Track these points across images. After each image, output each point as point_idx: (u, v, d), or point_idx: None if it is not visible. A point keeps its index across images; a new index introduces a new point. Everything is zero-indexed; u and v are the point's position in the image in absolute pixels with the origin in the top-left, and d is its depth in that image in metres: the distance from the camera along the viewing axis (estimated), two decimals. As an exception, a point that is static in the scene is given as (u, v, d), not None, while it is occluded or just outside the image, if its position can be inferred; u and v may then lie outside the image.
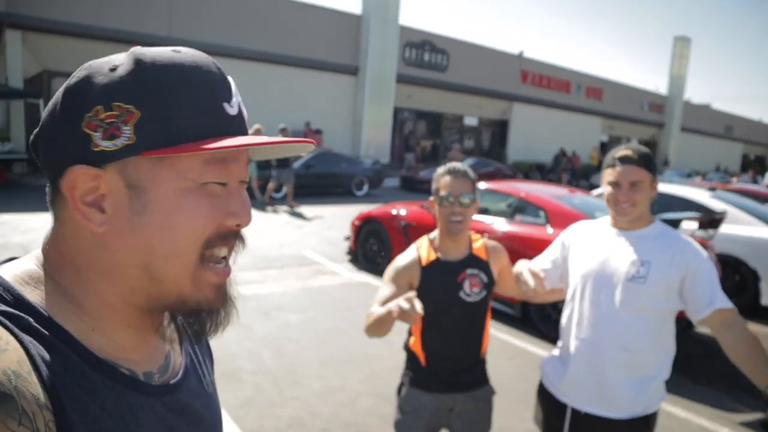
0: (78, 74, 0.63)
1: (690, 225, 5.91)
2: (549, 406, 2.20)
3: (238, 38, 17.77)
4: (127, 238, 0.63)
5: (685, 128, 37.44)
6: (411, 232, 6.64)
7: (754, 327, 6.18)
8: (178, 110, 0.61)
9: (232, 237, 0.68)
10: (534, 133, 27.73)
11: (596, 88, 31.31)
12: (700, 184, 12.63)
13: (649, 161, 1.96)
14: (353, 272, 7.30)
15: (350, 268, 7.49)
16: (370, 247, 7.49)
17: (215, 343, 3.58)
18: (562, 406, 2.13)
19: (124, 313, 0.66)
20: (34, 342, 0.57)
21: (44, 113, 0.64)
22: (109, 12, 15.45)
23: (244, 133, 0.67)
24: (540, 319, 5.34)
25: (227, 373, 4.13)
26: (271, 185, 12.44)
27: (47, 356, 0.57)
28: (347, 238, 8.30)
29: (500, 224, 5.76)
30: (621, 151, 1.98)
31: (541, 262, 2.21)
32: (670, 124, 36.25)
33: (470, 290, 2.05)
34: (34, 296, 0.62)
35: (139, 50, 0.63)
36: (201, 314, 0.67)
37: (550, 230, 5.29)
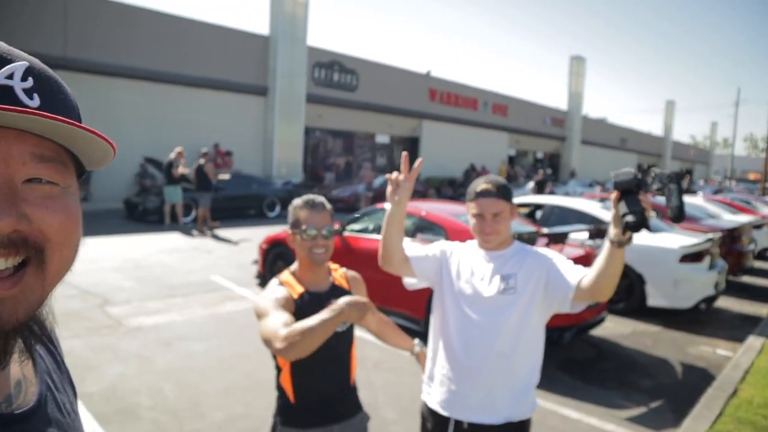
0: None
1: (580, 236, 6.29)
2: (433, 423, 2.28)
3: (140, 59, 17.15)
4: None
5: (585, 141, 39.69)
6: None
7: (642, 326, 6.63)
8: None
9: None
10: (444, 149, 28.49)
11: (502, 104, 32.64)
12: (598, 195, 13.44)
13: (507, 192, 2.17)
14: (262, 296, 7.20)
15: (259, 292, 7.38)
16: (279, 270, 7.39)
17: (112, 378, 3.44)
18: (446, 420, 2.22)
19: None
20: None
21: None
22: (-3, 32, 14.56)
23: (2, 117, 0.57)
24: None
25: (124, 410, 3.97)
26: (202, 211, 12.25)
27: None
28: (255, 262, 8.19)
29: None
30: (481, 185, 2.17)
31: (416, 249, 2.32)
32: (571, 138, 38.31)
33: None
34: None
35: None
36: None
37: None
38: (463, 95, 29.81)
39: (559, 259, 2.16)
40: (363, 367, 4.62)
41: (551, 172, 36.30)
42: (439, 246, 2.35)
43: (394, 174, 2.11)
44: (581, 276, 2.01)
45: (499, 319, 2.12)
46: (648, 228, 1.74)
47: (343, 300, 1.73)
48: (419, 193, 20.51)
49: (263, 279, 7.71)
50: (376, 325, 2.32)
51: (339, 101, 23.55)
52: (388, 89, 25.25)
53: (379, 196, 17.32)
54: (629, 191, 1.76)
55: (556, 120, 37.54)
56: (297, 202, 2.11)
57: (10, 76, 0.59)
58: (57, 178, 0.63)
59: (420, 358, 2.39)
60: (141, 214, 13.34)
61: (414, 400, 4.32)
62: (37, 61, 0.64)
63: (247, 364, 4.89)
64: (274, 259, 7.51)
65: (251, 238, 11.38)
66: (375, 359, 5.10)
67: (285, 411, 2.08)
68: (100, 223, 12.57)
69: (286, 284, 2.07)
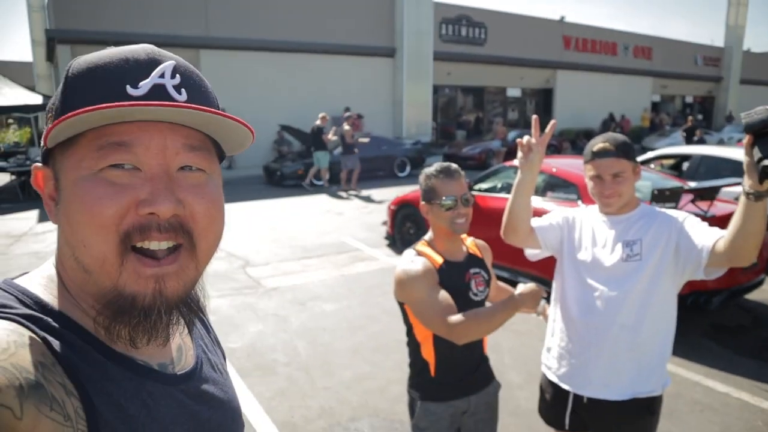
0: None
1: (734, 190, 5.64)
2: (552, 395, 2.20)
3: (273, 31, 17.90)
4: (61, 230, 0.67)
5: (746, 80, 35.40)
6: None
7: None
8: (75, 101, 0.63)
9: (153, 229, 0.63)
10: (581, 99, 26.90)
11: (645, 47, 30.00)
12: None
13: (628, 150, 1.98)
14: (391, 257, 7.34)
15: (388, 253, 7.53)
16: (407, 231, 7.50)
17: (252, 336, 3.73)
18: (565, 393, 2.12)
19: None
20: (54, 339, 0.61)
21: None
22: (149, 19, 15.87)
23: (161, 113, 0.62)
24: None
25: (262, 366, 4.26)
26: (342, 174, 13.04)
27: (68, 351, 0.62)
28: (384, 223, 8.34)
29: (534, 201, 5.67)
30: (598, 144, 2.00)
31: (539, 219, 2.21)
32: (728, 78, 34.39)
33: (476, 289, 2.02)
34: (50, 297, 0.67)
35: (74, 59, 0.68)
36: (137, 313, 0.64)
37: (582, 205, 5.16)
38: (600, 40, 27.78)
39: (692, 221, 1.95)
40: (489, 330, 4.56)
41: (702, 117, 33.02)
42: (562, 213, 2.23)
43: (525, 137, 2.00)
44: (716, 238, 1.80)
45: (622, 288, 1.98)
46: None
47: (522, 289, 1.74)
48: (553, 147, 19.58)
49: (392, 240, 7.84)
50: (495, 292, 2.27)
51: (467, 56, 22.99)
52: (519, 40, 24.18)
53: (513, 150, 16.82)
54: (765, 133, 1.49)
55: (709, 59, 33.83)
56: (430, 170, 2.02)
57: (162, 75, 0.65)
58: (204, 164, 0.69)
59: (545, 317, 2.31)
60: (279, 179, 14.07)
61: (540, 365, 4.19)
62: (180, 59, 0.70)
63: (375, 325, 5.03)
64: (402, 220, 7.59)
65: (381, 199, 11.60)
66: (502, 322, 5.01)
67: (425, 385, 2.06)
68: (242, 189, 13.45)
69: (424, 255, 2.01)
